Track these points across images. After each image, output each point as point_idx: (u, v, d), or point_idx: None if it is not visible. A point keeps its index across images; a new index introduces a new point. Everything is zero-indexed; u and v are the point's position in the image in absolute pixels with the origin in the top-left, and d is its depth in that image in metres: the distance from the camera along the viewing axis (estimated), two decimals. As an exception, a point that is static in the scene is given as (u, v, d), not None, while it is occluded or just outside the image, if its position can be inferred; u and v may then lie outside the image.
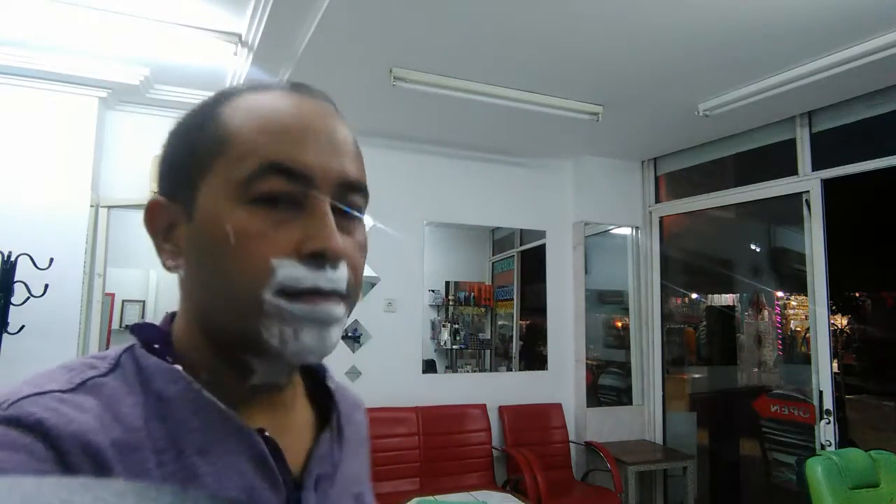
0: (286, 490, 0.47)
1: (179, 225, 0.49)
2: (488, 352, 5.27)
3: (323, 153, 0.48)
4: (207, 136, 0.49)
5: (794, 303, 4.06)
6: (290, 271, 0.45)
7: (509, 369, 4.85)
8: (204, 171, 0.48)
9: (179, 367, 0.47)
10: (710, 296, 4.46)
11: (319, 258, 0.46)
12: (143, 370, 0.47)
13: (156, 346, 0.49)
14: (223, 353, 0.49)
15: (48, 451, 0.36)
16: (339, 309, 0.48)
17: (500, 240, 5.40)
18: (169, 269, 0.50)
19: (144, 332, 0.50)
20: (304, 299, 0.45)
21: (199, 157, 0.48)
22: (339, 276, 0.47)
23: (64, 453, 0.37)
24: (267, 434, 0.48)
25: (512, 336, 4.92)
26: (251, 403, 0.50)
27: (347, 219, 0.50)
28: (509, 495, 3.11)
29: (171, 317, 0.52)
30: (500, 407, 3.77)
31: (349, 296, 0.49)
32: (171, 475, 0.43)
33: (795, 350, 4.06)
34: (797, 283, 3.64)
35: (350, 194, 0.50)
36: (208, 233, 0.46)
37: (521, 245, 4.91)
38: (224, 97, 0.51)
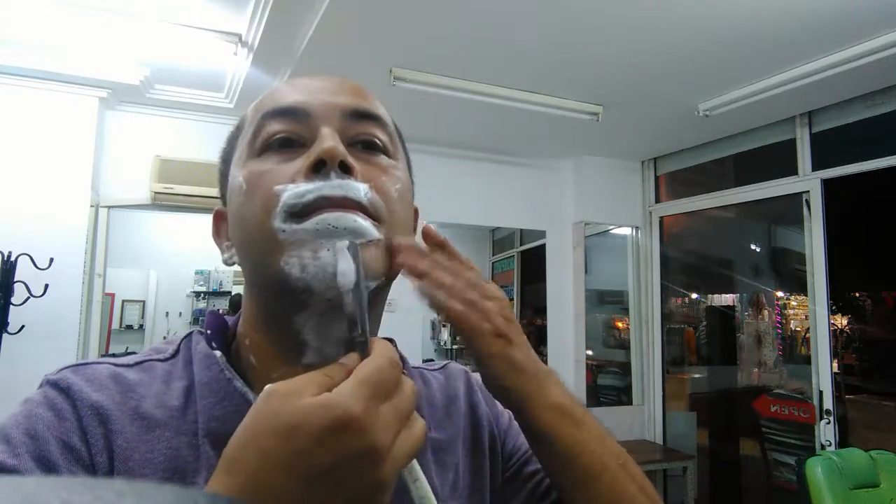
0: None
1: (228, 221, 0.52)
2: (488, 352, 5.26)
3: (321, 93, 0.49)
4: (234, 129, 0.54)
5: (794, 303, 4.07)
6: (294, 190, 0.44)
7: (509, 369, 4.84)
8: (231, 154, 0.52)
9: (218, 353, 0.48)
10: (710, 296, 4.46)
11: (320, 165, 0.45)
12: (192, 355, 0.50)
13: (208, 331, 0.51)
14: (274, 324, 0.48)
15: (73, 411, 0.43)
16: (360, 219, 0.44)
17: (500, 240, 5.41)
18: (226, 262, 0.52)
19: (209, 319, 0.53)
20: (313, 214, 0.44)
21: (229, 149, 0.53)
22: (349, 183, 0.45)
23: (82, 416, 0.43)
24: None
25: (512, 336, 4.91)
26: None
27: (367, 151, 0.49)
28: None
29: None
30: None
31: (377, 215, 0.46)
32: (177, 458, 0.44)
33: (795, 350, 4.06)
34: (797, 283, 3.64)
35: (361, 123, 0.49)
36: (232, 194, 0.49)
37: (521, 245, 4.92)
38: None
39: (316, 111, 0.48)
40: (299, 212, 0.44)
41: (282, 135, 0.47)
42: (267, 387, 0.35)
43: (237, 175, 0.48)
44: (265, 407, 0.34)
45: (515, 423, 0.62)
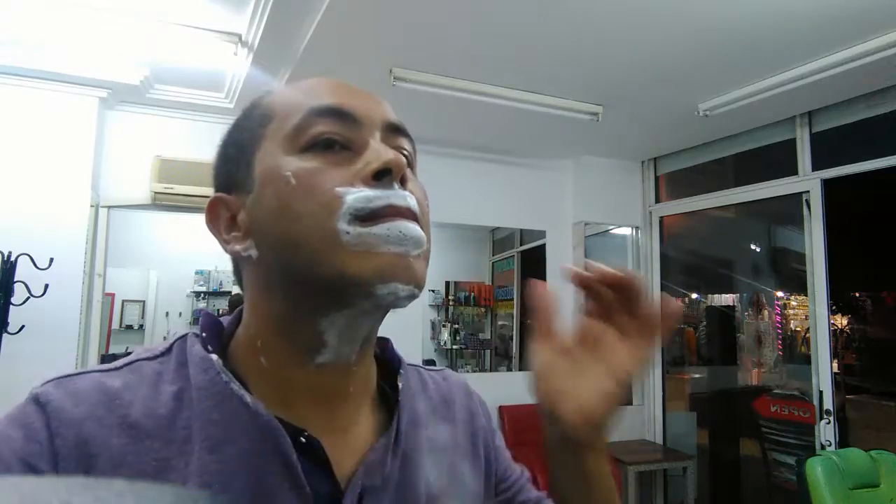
0: (316, 499, 0.43)
1: (241, 210, 0.49)
2: (488, 352, 5.27)
3: (364, 101, 0.50)
4: (255, 116, 0.51)
5: (794, 303, 4.07)
6: (359, 195, 0.45)
7: (509, 369, 4.85)
8: (257, 143, 0.49)
9: (214, 357, 0.47)
10: (710, 296, 4.46)
11: (385, 174, 0.46)
12: (186, 358, 0.48)
13: (203, 334, 0.49)
14: (296, 324, 0.47)
15: (45, 431, 0.41)
16: (420, 229, 0.46)
17: (500, 240, 5.41)
18: (238, 254, 0.49)
19: (203, 321, 0.51)
20: (381, 220, 0.44)
21: (250, 136, 0.50)
22: (409, 195, 0.47)
23: (55, 435, 0.41)
24: (307, 434, 0.45)
25: (512, 336, 4.92)
26: (309, 396, 0.48)
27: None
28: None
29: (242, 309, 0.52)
30: (500, 407, 3.77)
31: (424, 225, 0.48)
32: (167, 469, 0.42)
33: (795, 350, 4.06)
34: (797, 283, 3.64)
35: (398, 137, 0.51)
36: (270, 186, 0.47)
37: (521, 245, 4.92)
38: (264, 93, 0.53)
39: (363, 119, 0.48)
40: (366, 216, 0.44)
41: (329, 136, 0.47)
42: None
43: (278, 167, 0.46)
44: None
45: (503, 446, 0.63)
